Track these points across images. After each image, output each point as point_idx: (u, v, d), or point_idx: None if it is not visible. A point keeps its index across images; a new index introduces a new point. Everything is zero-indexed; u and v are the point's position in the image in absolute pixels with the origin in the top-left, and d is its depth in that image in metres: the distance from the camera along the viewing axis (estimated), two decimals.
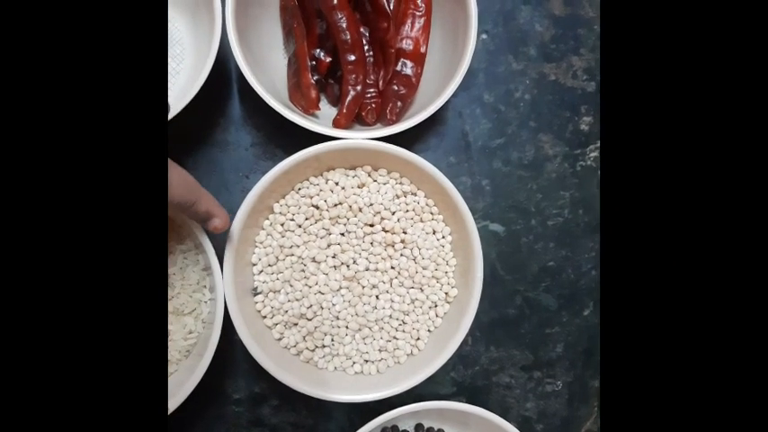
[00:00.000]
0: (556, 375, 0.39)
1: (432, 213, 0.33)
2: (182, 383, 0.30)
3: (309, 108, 0.33)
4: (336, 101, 0.35)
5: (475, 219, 0.32)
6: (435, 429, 0.37)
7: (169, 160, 0.25)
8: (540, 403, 0.39)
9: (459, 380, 0.38)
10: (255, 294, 0.32)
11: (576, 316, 0.39)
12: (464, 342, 0.38)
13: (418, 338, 0.33)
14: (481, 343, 0.38)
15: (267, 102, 0.31)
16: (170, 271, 0.31)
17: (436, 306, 0.33)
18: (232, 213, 0.30)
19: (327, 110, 0.36)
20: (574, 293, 0.39)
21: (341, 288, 0.31)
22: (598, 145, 0.40)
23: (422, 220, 0.33)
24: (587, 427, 0.39)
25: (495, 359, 0.38)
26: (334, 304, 0.31)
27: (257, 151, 0.37)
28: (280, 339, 0.32)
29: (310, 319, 0.31)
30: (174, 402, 0.30)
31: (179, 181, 0.26)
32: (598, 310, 0.39)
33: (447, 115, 0.39)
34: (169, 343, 0.32)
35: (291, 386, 0.30)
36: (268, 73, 0.35)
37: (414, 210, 0.33)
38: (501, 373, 0.38)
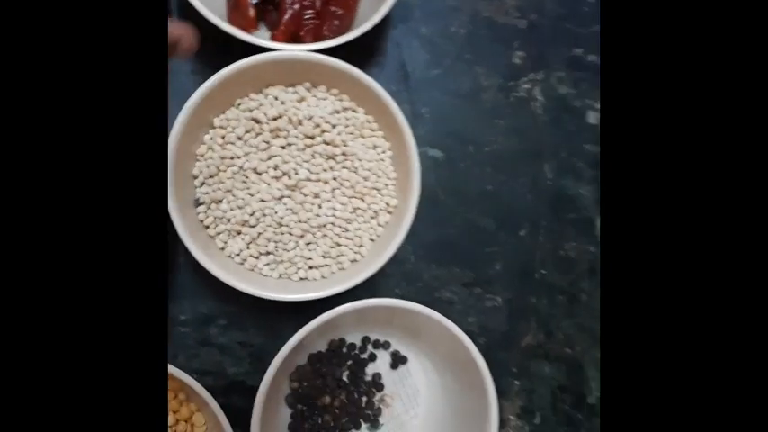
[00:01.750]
0: (495, 292, 0.41)
1: (371, 130, 0.35)
2: None
3: (248, 27, 0.34)
4: (275, 27, 0.36)
5: (416, 148, 0.34)
6: (381, 341, 0.38)
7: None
8: (481, 318, 0.41)
9: (403, 295, 0.39)
10: (198, 205, 0.32)
11: (513, 236, 0.42)
12: (406, 260, 0.40)
13: (361, 245, 0.34)
14: (423, 261, 0.40)
15: (207, 18, 0.32)
16: None
17: (377, 215, 0.34)
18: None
19: (266, 35, 0.37)
20: (510, 215, 0.42)
21: (283, 197, 0.33)
22: (530, 77, 0.43)
23: (362, 136, 0.34)
24: (527, 341, 0.41)
25: (436, 276, 0.40)
26: (276, 212, 0.32)
27: (198, 79, 0.37)
28: (223, 248, 0.33)
29: (253, 226, 0.32)
30: None
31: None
32: (533, 231, 0.42)
33: (386, 46, 0.40)
34: None
35: (238, 288, 0.31)
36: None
37: (354, 125, 0.34)
38: (443, 289, 0.40)
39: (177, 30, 0.26)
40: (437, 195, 0.40)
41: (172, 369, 0.31)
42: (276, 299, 0.31)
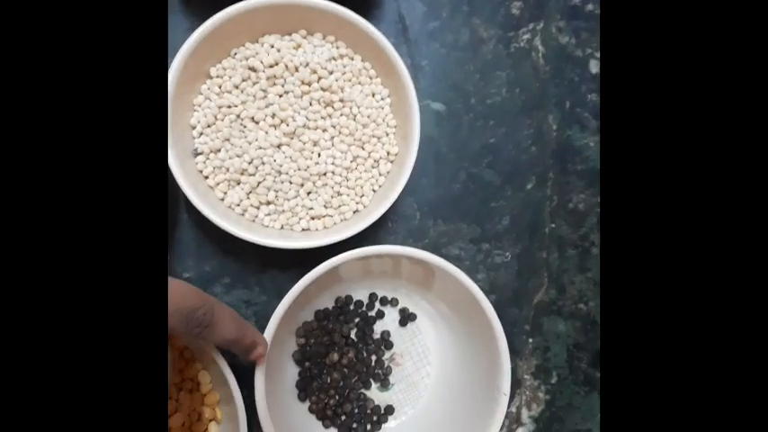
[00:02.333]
0: (504, 247, 0.40)
1: (369, 77, 0.34)
2: None
3: None
4: None
5: (416, 97, 0.33)
6: (389, 298, 0.37)
7: (219, 303, 0.25)
8: (490, 274, 0.40)
9: None
10: (196, 155, 0.32)
11: (520, 190, 0.40)
12: (412, 217, 0.39)
13: (362, 195, 0.33)
14: (429, 217, 0.39)
15: None
16: None
17: (378, 164, 0.34)
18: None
19: None
20: (515, 169, 0.41)
21: (281, 145, 0.32)
22: (530, 28, 0.42)
23: (360, 83, 0.34)
24: (539, 297, 0.40)
25: (443, 232, 0.39)
26: (275, 159, 0.31)
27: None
28: (223, 199, 0.32)
29: (252, 175, 0.31)
30: None
31: (231, 317, 0.26)
32: (540, 184, 0.41)
33: (383, 0, 0.40)
34: None
35: (240, 236, 0.30)
36: None
37: (351, 72, 0.33)
38: (450, 246, 0.39)
39: (255, 336, 0.28)
40: (440, 150, 0.40)
41: None
42: (278, 246, 0.31)
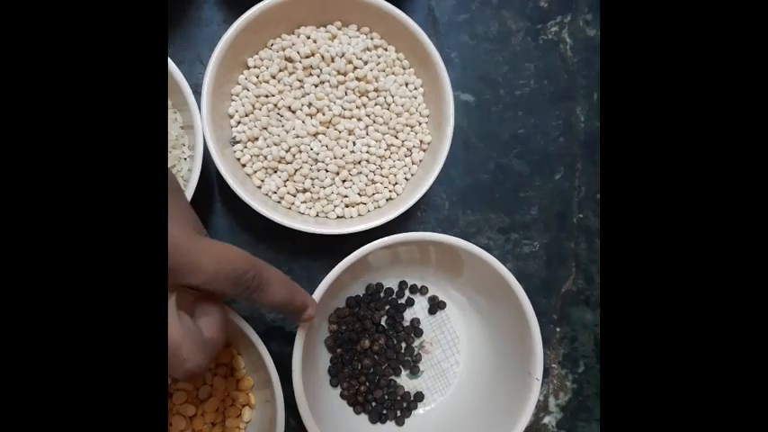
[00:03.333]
0: (532, 237, 0.40)
1: (403, 67, 0.35)
2: None
3: None
4: None
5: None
6: (419, 286, 0.38)
7: (268, 266, 0.25)
8: (519, 264, 0.40)
9: None
10: (234, 144, 0.33)
11: (549, 180, 0.41)
12: (441, 206, 0.40)
13: (396, 183, 0.34)
14: (458, 207, 0.40)
15: None
16: None
17: (411, 153, 0.34)
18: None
19: None
20: (544, 159, 0.41)
21: (318, 133, 0.32)
22: (558, 20, 0.42)
23: (393, 73, 0.34)
24: (567, 287, 0.41)
25: (472, 222, 0.40)
26: (311, 148, 0.32)
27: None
28: (260, 187, 0.33)
29: (290, 163, 0.32)
30: None
31: (281, 280, 0.26)
32: (568, 175, 0.41)
33: None
34: None
35: (278, 221, 0.31)
36: None
37: (385, 62, 0.34)
38: (479, 236, 0.40)
39: (305, 298, 0.28)
40: (470, 140, 0.40)
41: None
42: (315, 232, 0.31)
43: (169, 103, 0.33)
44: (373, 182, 0.33)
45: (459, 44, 0.40)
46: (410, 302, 0.37)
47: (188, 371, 0.22)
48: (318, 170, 0.32)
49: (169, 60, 0.30)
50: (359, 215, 0.33)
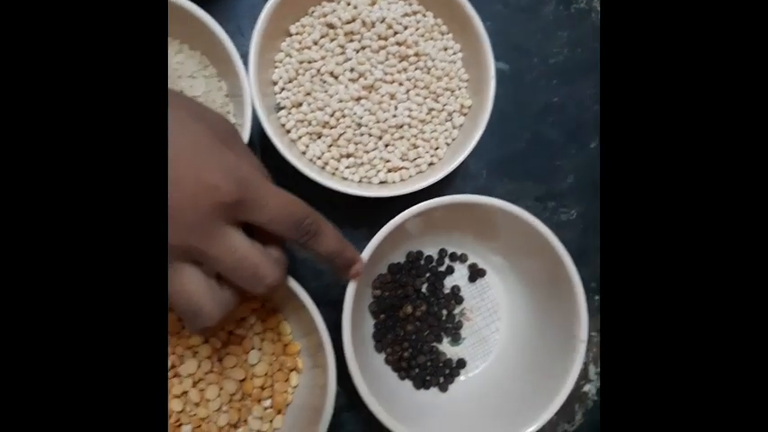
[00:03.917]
0: (569, 205, 0.40)
1: (441, 33, 0.35)
2: None
3: None
4: None
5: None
6: (459, 254, 0.38)
7: (323, 216, 0.26)
8: (556, 232, 0.40)
9: None
10: (279, 110, 0.33)
11: (583, 149, 0.41)
12: (479, 176, 0.40)
13: (437, 148, 0.34)
14: (495, 176, 0.40)
15: None
16: (195, 93, 0.32)
17: (452, 118, 0.34)
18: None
19: None
20: (579, 127, 0.41)
21: (360, 98, 0.33)
22: None
23: (432, 39, 0.34)
24: None
25: (509, 191, 0.40)
26: (355, 112, 0.32)
27: None
28: (305, 152, 0.33)
29: (334, 127, 0.32)
30: None
31: (334, 231, 0.27)
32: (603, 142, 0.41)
33: None
34: None
35: (324, 184, 0.31)
36: None
37: (424, 27, 0.34)
38: (516, 204, 0.39)
39: (354, 256, 0.29)
40: (505, 109, 0.40)
41: None
42: (359, 194, 0.31)
43: (214, 71, 0.33)
44: (415, 146, 0.33)
45: (493, 13, 0.40)
46: (450, 270, 0.37)
47: (269, 286, 0.23)
48: (362, 134, 0.33)
49: (221, 29, 0.31)
50: (401, 180, 0.33)
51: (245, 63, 0.31)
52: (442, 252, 0.37)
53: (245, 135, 0.31)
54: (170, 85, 0.32)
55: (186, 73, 0.33)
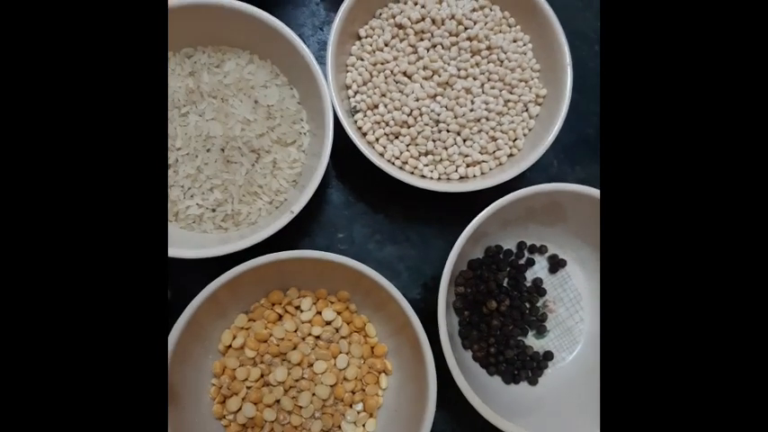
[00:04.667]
0: None
1: (509, 25, 0.35)
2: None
3: None
4: None
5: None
6: (538, 246, 0.37)
7: None
8: None
9: None
10: (355, 113, 0.33)
11: None
12: (550, 165, 0.39)
13: (516, 139, 0.34)
14: (566, 164, 0.39)
15: None
16: (270, 102, 0.33)
17: (528, 108, 0.34)
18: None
19: None
20: None
21: (436, 95, 0.33)
22: None
23: (501, 32, 0.34)
24: None
25: (582, 179, 0.39)
26: (432, 109, 0.32)
27: (327, 5, 0.39)
28: (383, 153, 0.33)
29: (412, 126, 0.32)
30: (279, 224, 0.31)
31: None
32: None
33: None
34: (276, 172, 0.33)
35: (408, 182, 0.31)
36: None
37: (493, 20, 0.34)
38: None
39: None
40: (571, 97, 0.40)
41: (361, 267, 0.31)
42: (438, 190, 0.31)
43: (285, 79, 0.33)
44: (494, 138, 0.33)
45: (551, 1, 0.40)
46: (530, 263, 0.37)
47: None
48: (440, 131, 0.33)
49: (296, 37, 0.31)
50: (481, 173, 0.33)
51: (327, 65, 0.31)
52: (521, 245, 0.37)
53: (328, 141, 0.31)
54: (243, 95, 0.32)
55: (259, 83, 0.33)
